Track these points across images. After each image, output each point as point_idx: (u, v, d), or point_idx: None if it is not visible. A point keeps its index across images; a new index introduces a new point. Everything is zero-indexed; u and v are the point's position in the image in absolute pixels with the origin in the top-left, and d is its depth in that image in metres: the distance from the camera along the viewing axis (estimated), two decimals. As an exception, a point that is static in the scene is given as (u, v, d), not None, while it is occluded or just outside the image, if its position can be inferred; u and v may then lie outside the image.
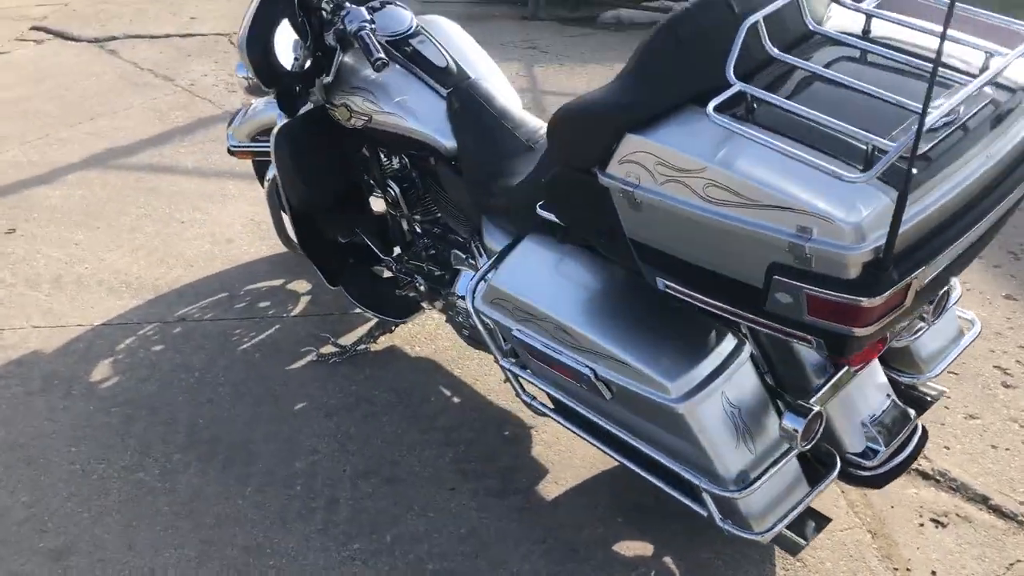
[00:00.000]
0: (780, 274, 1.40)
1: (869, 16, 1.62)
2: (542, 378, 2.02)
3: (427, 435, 2.50)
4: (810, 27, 1.59)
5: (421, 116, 2.33)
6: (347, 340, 2.88)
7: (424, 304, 2.68)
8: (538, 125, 2.34)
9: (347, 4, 2.36)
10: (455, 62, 2.38)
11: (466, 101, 2.31)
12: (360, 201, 2.79)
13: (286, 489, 2.34)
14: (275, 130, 2.55)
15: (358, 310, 2.90)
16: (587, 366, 1.79)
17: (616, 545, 2.15)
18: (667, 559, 2.10)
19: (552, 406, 2.11)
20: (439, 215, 2.55)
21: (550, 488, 2.31)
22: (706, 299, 1.58)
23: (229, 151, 3.16)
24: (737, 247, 1.45)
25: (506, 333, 2.00)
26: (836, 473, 1.78)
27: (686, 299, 1.62)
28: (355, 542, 2.18)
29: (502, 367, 2.13)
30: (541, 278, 1.92)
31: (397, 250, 2.72)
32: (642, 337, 1.76)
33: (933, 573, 2.07)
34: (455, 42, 2.45)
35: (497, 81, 2.41)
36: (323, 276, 2.78)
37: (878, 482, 1.86)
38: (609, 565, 2.10)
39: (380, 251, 2.73)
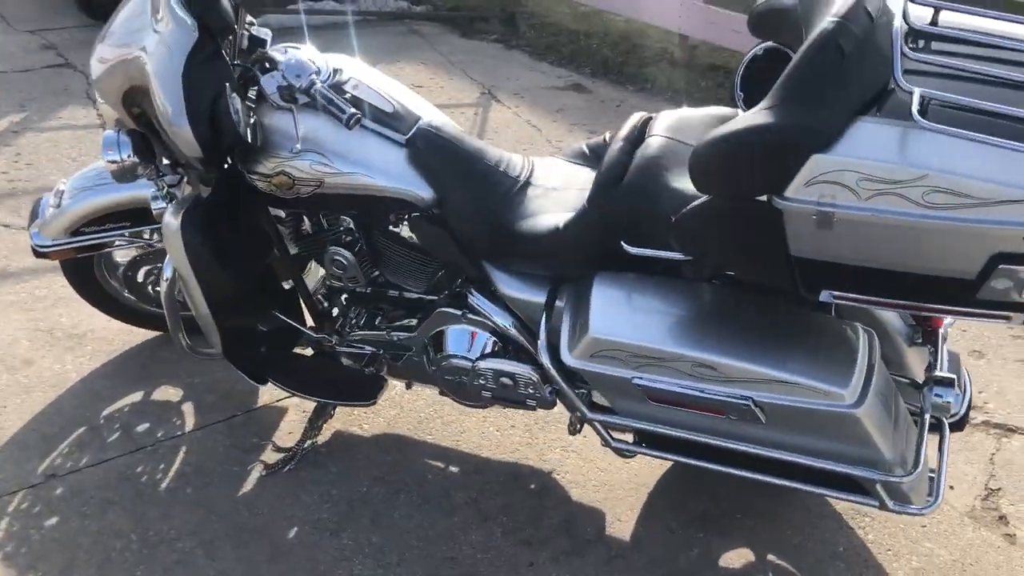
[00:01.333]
0: (1006, 262, 1.47)
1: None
2: (650, 420, 1.92)
3: (456, 516, 2.25)
4: (917, 26, 1.67)
5: (388, 171, 2.07)
6: (286, 441, 2.46)
7: (388, 377, 2.38)
8: (519, 159, 2.18)
9: (275, 56, 1.97)
10: (399, 104, 2.11)
11: (432, 145, 2.08)
12: (274, 279, 2.38)
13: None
14: (174, 216, 2.08)
15: (283, 403, 2.49)
16: (741, 396, 1.75)
17: (718, 559, 2.14)
18: (770, 556, 2.14)
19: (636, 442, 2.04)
20: (393, 277, 2.26)
21: (617, 527, 2.24)
22: (890, 300, 1.62)
23: (38, 253, 2.50)
24: (956, 245, 1.50)
25: (617, 384, 1.86)
26: (949, 430, 1.94)
27: (859, 305, 1.64)
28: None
29: (589, 420, 1.99)
30: (653, 317, 1.84)
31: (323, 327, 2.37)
32: (793, 353, 1.77)
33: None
34: (382, 82, 2.17)
35: (446, 119, 2.18)
36: (250, 377, 2.33)
37: (961, 426, 2.05)
38: (728, 580, 2.10)
39: (310, 328, 2.37)
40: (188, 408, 2.59)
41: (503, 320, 2.11)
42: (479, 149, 2.15)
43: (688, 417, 1.87)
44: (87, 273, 2.66)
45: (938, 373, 1.83)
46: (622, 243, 1.84)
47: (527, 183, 2.13)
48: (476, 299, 2.15)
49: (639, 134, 1.99)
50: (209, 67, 1.89)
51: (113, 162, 2.10)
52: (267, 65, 1.99)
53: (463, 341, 2.19)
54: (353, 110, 1.91)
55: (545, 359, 1.94)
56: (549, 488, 2.34)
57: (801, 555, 2.15)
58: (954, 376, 1.82)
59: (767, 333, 1.80)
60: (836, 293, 1.64)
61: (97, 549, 2.13)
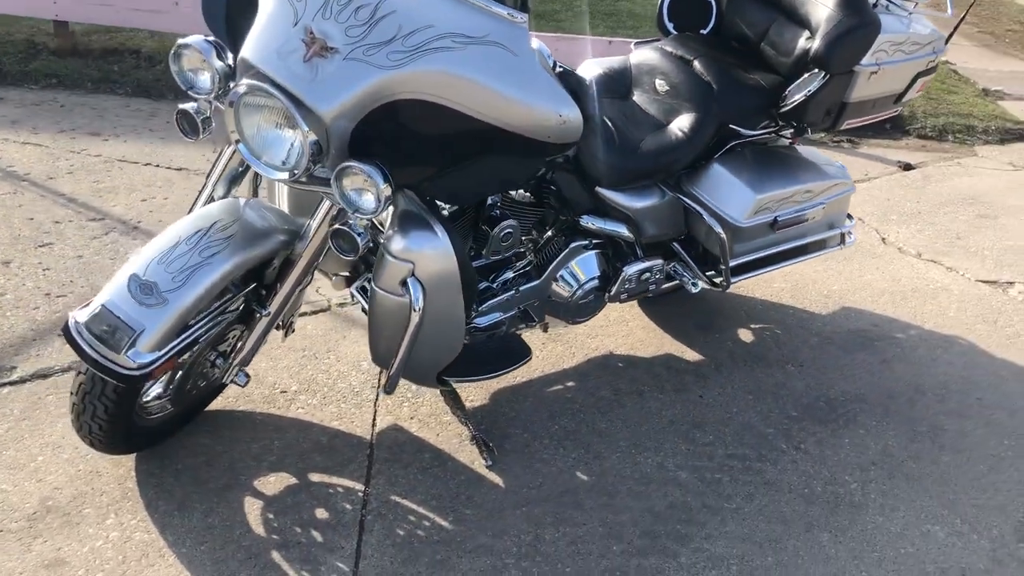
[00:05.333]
0: (921, 77, 2.83)
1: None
2: (769, 245, 2.74)
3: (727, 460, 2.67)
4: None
5: None
6: (452, 441, 2.41)
7: (540, 327, 2.57)
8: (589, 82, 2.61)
9: None
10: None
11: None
12: None
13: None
14: (425, 236, 2.00)
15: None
16: (820, 202, 2.78)
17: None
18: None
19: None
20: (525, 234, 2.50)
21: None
22: (870, 118, 2.83)
23: (140, 378, 1.85)
24: (909, 71, 2.77)
25: (765, 227, 2.64)
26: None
27: (855, 126, 2.82)
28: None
29: (727, 269, 2.67)
30: (773, 175, 2.68)
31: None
32: (826, 168, 2.83)
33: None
34: None
35: None
36: (437, 384, 2.27)
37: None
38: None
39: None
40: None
41: (625, 230, 2.58)
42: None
43: (789, 232, 2.76)
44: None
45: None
46: (734, 129, 2.59)
47: (625, 102, 2.60)
48: (593, 223, 2.55)
49: (677, 59, 2.68)
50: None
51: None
52: None
53: (594, 263, 2.57)
54: None
55: (719, 229, 2.56)
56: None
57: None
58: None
59: (812, 165, 2.82)
60: (850, 122, 2.78)
61: None
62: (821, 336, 3.13)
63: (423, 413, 2.50)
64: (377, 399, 2.53)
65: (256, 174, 2.23)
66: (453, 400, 2.49)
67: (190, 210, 2.12)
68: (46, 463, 2.19)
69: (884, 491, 2.40)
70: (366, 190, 1.82)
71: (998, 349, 3.15)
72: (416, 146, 1.88)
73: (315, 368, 2.64)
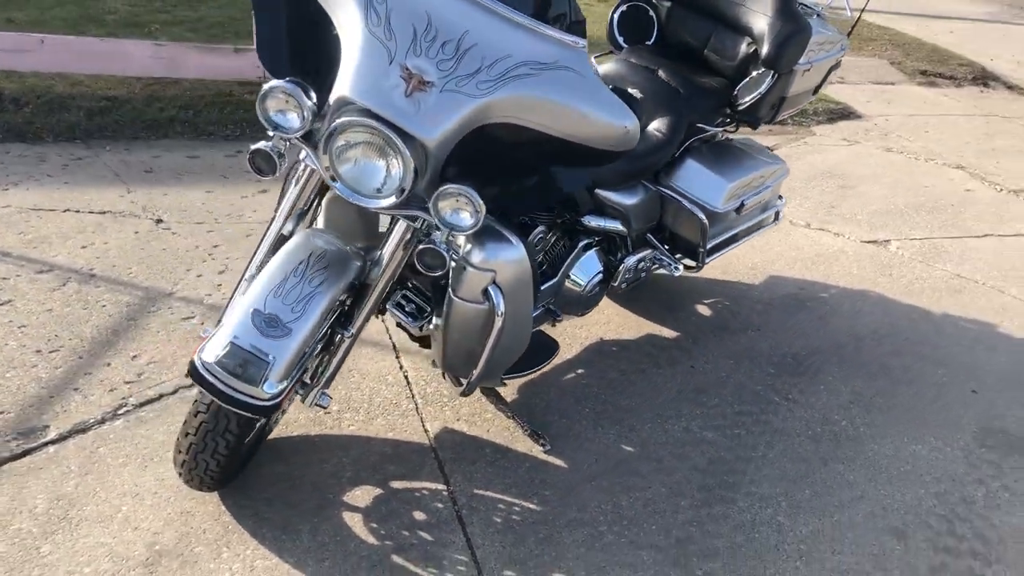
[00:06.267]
0: (833, 71, 3.32)
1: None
2: (729, 230, 3.13)
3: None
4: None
5: None
6: (507, 423, 2.63)
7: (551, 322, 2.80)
8: None
9: None
10: None
11: None
12: None
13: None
14: (500, 247, 2.22)
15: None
16: (768, 185, 3.20)
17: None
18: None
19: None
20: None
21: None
22: (792, 111, 3.29)
23: (273, 408, 1.95)
24: (825, 67, 3.24)
25: (735, 211, 3.03)
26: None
27: (784, 117, 3.27)
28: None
29: (705, 252, 3.02)
30: (733, 165, 3.06)
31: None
32: (767, 153, 3.26)
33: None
34: None
35: None
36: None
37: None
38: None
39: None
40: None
41: (620, 225, 2.88)
42: None
43: (747, 214, 3.15)
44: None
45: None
46: (700, 127, 2.95)
47: None
48: (594, 222, 2.83)
49: (643, 69, 3.01)
50: None
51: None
52: None
53: (597, 258, 2.85)
54: None
55: (702, 216, 2.90)
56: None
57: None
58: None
59: (756, 153, 3.22)
60: (784, 114, 3.22)
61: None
62: (763, 303, 3.56)
63: (466, 414, 2.69)
64: (418, 408, 2.69)
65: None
66: (496, 398, 2.69)
67: (259, 245, 2.20)
68: (133, 511, 2.20)
69: (868, 423, 2.84)
70: (462, 209, 2.01)
71: (902, 295, 3.71)
72: (497, 164, 2.09)
73: (345, 387, 2.75)
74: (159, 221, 3.68)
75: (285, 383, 1.94)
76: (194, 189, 4.02)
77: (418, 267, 2.09)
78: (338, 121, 1.95)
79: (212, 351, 1.91)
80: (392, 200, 1.98)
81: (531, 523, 2.30)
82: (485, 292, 2.21)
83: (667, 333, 3.26)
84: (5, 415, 2.48)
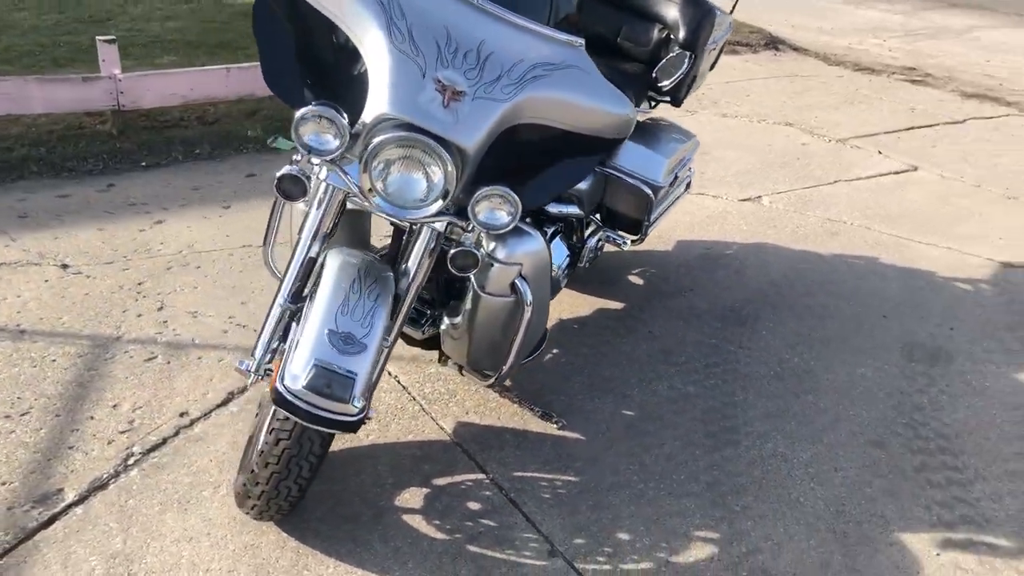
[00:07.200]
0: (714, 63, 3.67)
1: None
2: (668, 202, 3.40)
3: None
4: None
5: None
6: (512, 408, 2.77)
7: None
8: None
9: None
10: None
11: None
12: None
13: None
14: (525, 241, 2.38)
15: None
16: (689, 157, 3.50)
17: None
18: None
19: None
20: None
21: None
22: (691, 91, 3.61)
23: (362, 422, 2.01)
24: (713, 57, 3.58)
25: (670, 184, 3.30)
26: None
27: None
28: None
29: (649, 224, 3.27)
30: (663, 142, 3.32)
31: None
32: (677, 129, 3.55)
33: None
34: None
35: None
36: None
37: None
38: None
39: None
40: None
41: (576, 209, 3.07)
42: None
43: (675, 188, 3.42)
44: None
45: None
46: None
47: None
48: (556, 209, 3.01)
49: None
50: None
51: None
52: None
53: (563, 245, 3.04)
54: None
55: (649, 191, 3.14)
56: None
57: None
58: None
59: (675, 129, 3.49)
60: (692, 92, 3.52)
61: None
62: (684, 265, 3.88)
63: (471, 406, 2.80)
64: (424, 409, 2.77)
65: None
66: (502, 387, 2.82)
67: (287, 272, 2.19)
68: (196, 555, 2.17)
69: (815, 357, 3.21)
70: (497, 208, 2.13)
71: (791, 243, 4.15)
72: (517, 163, 2.23)
73: (346, 401, 2.78)
74: (65, 266, 3.50)
75: (368, 396, 2.00)
76: (83, 229, 3.83)
77: (451, 270, 2.19)
78: (383, 137, 2.01)
79: (294, 376, 1.93)
80: (438, 206, 2.07)
81: (577, 493, 2.46)
82: (512, 285, 2.34)
83: (615, 305, 3.49)
84: (9, 485, 2.35)
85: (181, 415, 2.67)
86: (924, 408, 2.96)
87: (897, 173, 5.26)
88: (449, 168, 2.00)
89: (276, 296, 2.21)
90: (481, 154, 2.07)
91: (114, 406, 2.69)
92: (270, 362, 2.22)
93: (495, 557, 2.23)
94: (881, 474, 2.63)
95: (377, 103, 2.00)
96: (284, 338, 2.24)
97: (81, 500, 2.32)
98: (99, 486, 2.37)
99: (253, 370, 2.19)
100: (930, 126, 6.32)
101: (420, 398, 2.80)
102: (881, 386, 3.05)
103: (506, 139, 2.13)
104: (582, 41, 2.24)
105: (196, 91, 5.12)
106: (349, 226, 2.40)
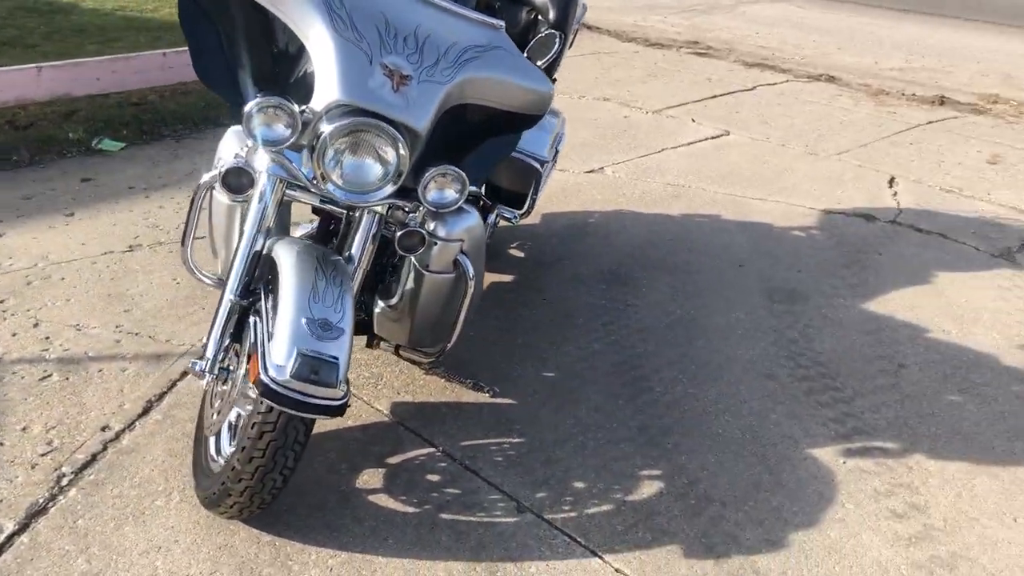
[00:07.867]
0: None
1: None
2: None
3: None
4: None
5: None
6: (439, 382, 2.87)
7: None
8: None
9: None
10: None
11: None
12: None
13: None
14: (464, 222, 2.49)
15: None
16: (562, 132, 3.70)
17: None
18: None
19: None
20: None
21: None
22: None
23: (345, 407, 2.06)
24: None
25: (550, 160, 3.48)
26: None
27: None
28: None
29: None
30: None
31: None
32: None
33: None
34: None
35: None
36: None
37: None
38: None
39: None
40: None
41: (476, 187, 3.18)
42: None
43: (551, 163, 3.59)
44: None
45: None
46: None
47: None
48: None
49: None
50: None
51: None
52: None
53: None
54: None
55: (537, 166, 3.29)
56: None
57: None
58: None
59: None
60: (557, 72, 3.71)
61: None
62: (556, 236, 4.08)
63: (400, 386, 2.86)
64: (354, 395, 2.81)
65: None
66: (429, 364, 2.89)
67: (232, 266, 2.17)
68: (172, 563, 2.12)
69: (696, 307, 3.51)
70: (446, 187, 2.22)
71: (643, 208, 4.46)
72: (456, 141, 2.32)
73: (273, 395, 2.77)
74: (-93, 292, 3.21)
75: (347, 379, 2.04)
76: (-79, 250, 3.51)
77: (398, 250, 2.27)
78: (339, 124, 2.03)
79: (278, 367, 1.92)
80: (390, 189, 2.13)
81: (526, 452, 2.59)
82: (455, 262, 2.43)
83: (506, 278, 3.64)
84: (-66, 525, 2.18)
85: (103, 429, 2.55)
86: (797, 341, 3.33)
87: (714, 138, 5.73)
88: (402, 151, 2.06)
89: (224, 293, 2.18)
90: (428, 136, 2.15)
91: (23, 429, 2.53)
92: (224, 360, 2.20)
93: (469, 521, 2.32)
94: (780, 401, 2.94)
95: (327, 90, 2.02)
96: (236, 336, 2.22)
97: (23, 528, 2.19)
98: (37, 511, 2.24)
99: (208, 370, 2.15)
100: (729, 94, 6.90)
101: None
102: (757, 326, 3.40)
103: (444, 120, 2.21)
104: (502, 24, 2.36)
105: (3, 93, 4.75)
106: (277, 217, 2.39)
